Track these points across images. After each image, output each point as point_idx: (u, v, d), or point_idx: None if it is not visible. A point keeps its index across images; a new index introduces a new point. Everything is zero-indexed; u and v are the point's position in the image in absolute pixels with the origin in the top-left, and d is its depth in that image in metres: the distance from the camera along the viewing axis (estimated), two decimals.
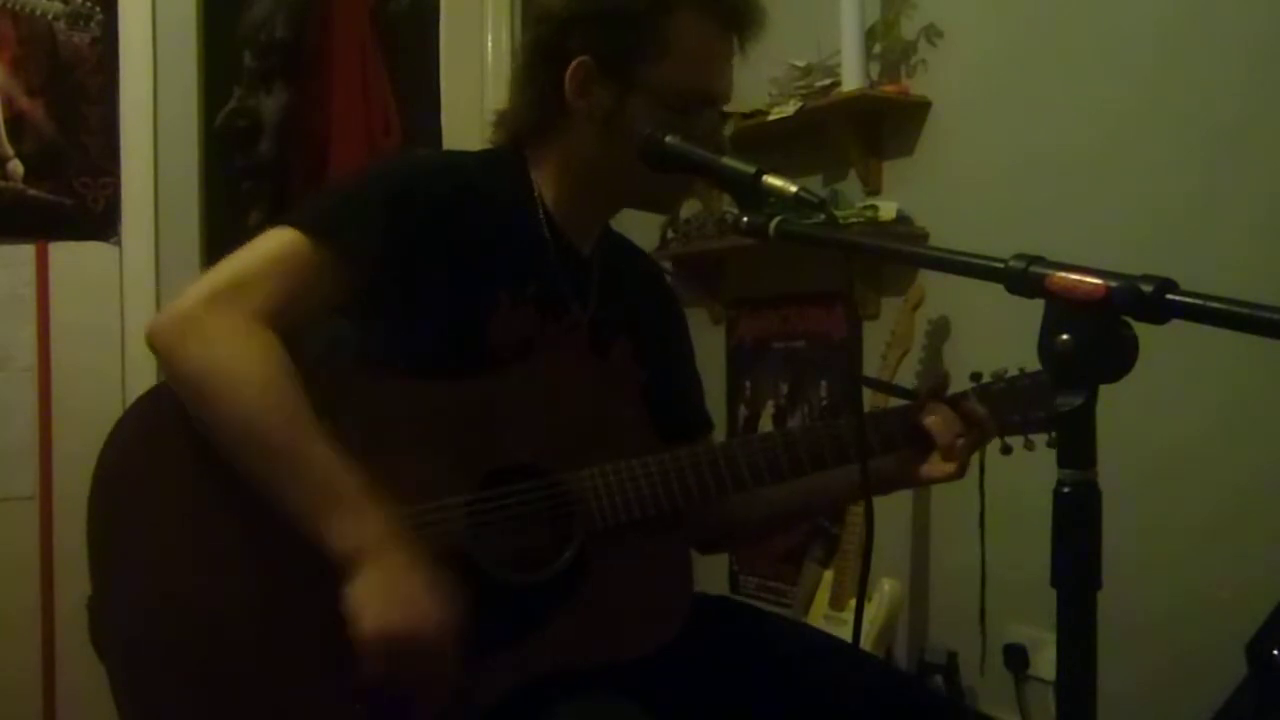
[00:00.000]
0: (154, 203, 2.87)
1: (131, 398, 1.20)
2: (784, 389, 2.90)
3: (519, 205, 1.33)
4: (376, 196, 1.24)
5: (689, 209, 2.97)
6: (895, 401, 1.41)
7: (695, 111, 1.29)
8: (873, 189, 2.58)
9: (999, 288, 0.82)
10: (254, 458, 1.11)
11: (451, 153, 1.44)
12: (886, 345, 2.38)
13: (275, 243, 1.19)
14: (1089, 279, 0.75)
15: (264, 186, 3.16)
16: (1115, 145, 2.10)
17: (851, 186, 2.62)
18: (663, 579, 1.26)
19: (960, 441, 1.30)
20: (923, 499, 2.46)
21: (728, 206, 2.75)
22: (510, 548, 1.20)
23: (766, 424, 2.92)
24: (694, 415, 1.50)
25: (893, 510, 2.40)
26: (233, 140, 3.11)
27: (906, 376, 2.32)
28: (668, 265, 2.92)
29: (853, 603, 2.34)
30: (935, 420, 1.31)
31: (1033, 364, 1.08)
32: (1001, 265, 0.81)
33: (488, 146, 1.41)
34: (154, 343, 1.15)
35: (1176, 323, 0.72)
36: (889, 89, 2.48)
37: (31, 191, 2.79)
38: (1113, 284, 0.73)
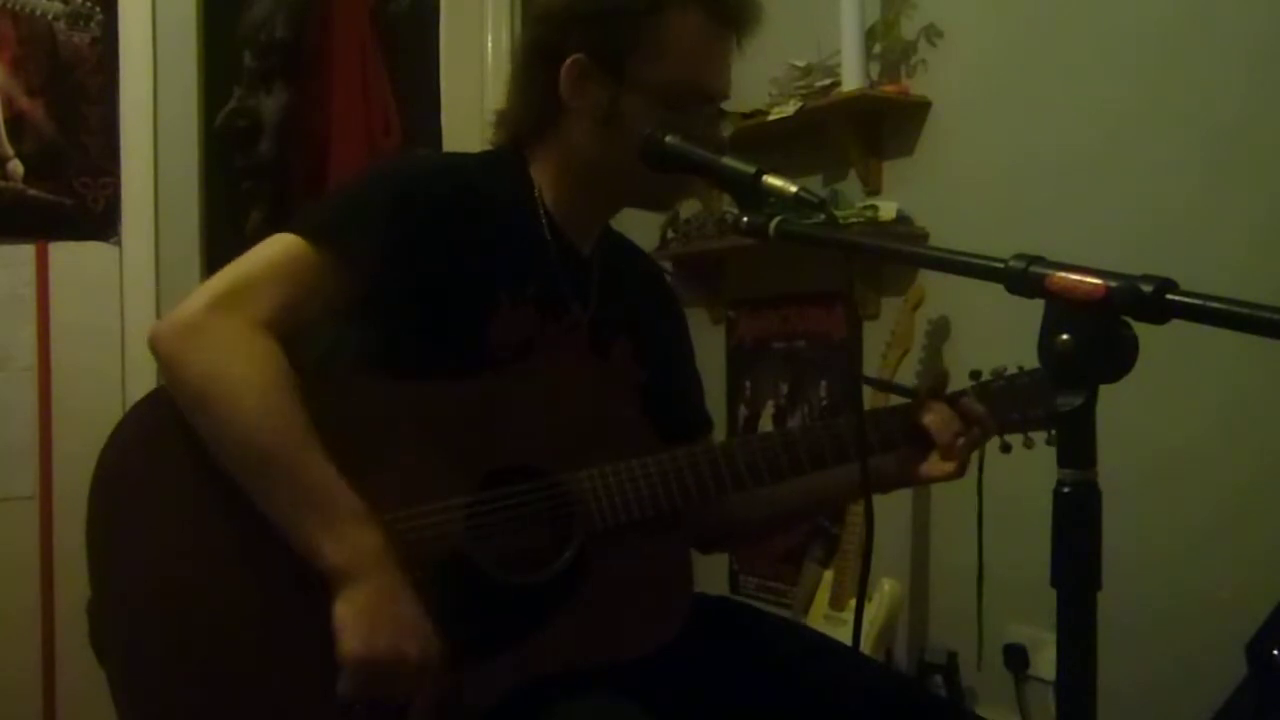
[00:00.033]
0: (154, 203, 2.87)
1: (131, 398, 1.21)
2: (784, 389, 2.89)
3: (519, 206, 1.33)
4: (377, 200, 1.24)
5: (689, 209, 2.97)
6: (896, 400, 1.41)
7: (693, 109, 1.29)
8: (873, 189, 2.58)
9: (999, 288, 0.82)
10: (250, 467, 1.11)
11: (451, 154, 1.44)
12: (886, 345, 2.38)
13: (277, 248, 1.19)
14: (1089, 279, 0.75)
15: (264, 186, 3.15)
16: (1115, 145, 2.10)
17: (851, 186, 2.62)
18: (662, 579, 1.26)
19: (960, 440, 1.30)
20: (922, 499, 2.46)
21: (728, 206, 2.75)
22: (510, 549, 1.20)
23: (766, 424, 2.92)
24: (694, 415, 1.50)
25: (892, 510, 2.40)
26: (233, 140, 3.11)
27: (906, 376, 2.32)
28: (667, 265, 2.92)
29: (853, 603, 2.34)
30: (934, 419, 1.31)
31: (1032, 363, 1.08)
32: (1001, 265, 0.81)
33: (488, 147, 1.41)
34: (156, 348, 1.15)
35: (1176, 323, 0.72)
36: (889, 89, 2.48)
37: (31, 191, 2.79)
38: (1113, 284, 0.73)
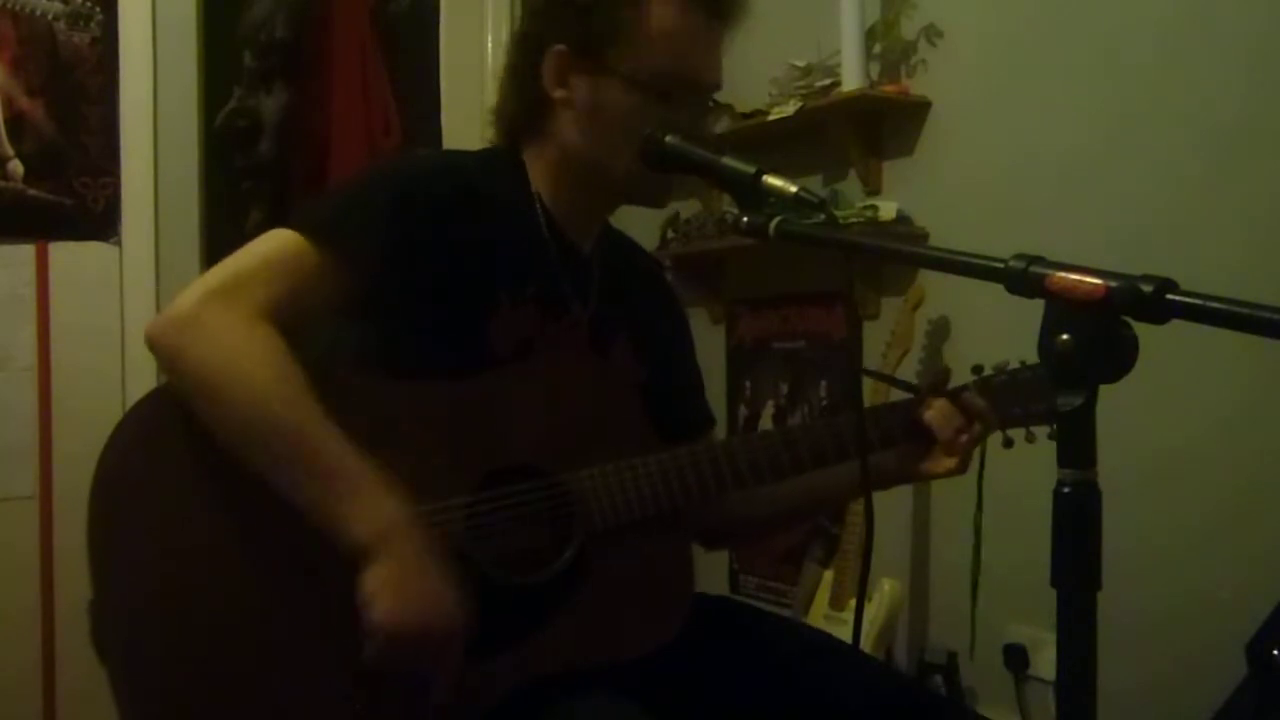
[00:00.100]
0: (154, 203, 2.86)
1: (131, 398, 1.20)
2: (784, 389, 2.89)
3: (518, 205, 1.33)
4: (377, 199, 1.24)
5: (689, 209, 2.97)
6: (897, 396, 1.40)
7: (675, 99, 1.27)
8: (873, 189, 2.57)
9: (999, 288, 0.82)
10: (262, 451, 1.10)
11: (451, 153, 1.44)
12: (886, 345, 2.38)
13: (274, 244, 1.19)
14: (1089, 279, 0.75)
15: (264, 186, 3.16)
16: (1115, 145, 2.10)
17: (851, 186, 2.62)
18: (663, 579, 1.26)
19: (962, 436, 1.30)
20: (922, 498, 2.47)
21: (728, 206, 2.75)
22: (510, 548, 1.20)
23: (766, 424, 2.92)
24: (696, 413, 1.50)
25: (892, 509, 2.40)
26: (233, 140, 3.11)
27: (906, 376, 2.31)
28: (667, 264, 2.91)
29: (853, 603, 2.34)
30: (935, 415, 1.31)
31: (1033, 360, 1.08)
32: (1001, 265, 0.81)
33: (486, 146, 1.41)
34: (155, 344, 1.15)
35: (1176, 323, 0.72)
36: (889, 89, 2.48)
37: (31, 191, 2.79)
38: (1113, 284, 0.73)
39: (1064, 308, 0.76)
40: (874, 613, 2.34)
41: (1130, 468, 1.71)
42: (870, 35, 2.52)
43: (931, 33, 2.47)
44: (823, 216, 1.07)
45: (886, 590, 2.37)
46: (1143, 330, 0.74)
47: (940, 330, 2.39)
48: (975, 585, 2.17)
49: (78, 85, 2.82)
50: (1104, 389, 0.75)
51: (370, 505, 1.08)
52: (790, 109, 2.58)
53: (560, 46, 1.28)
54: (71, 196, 2.82)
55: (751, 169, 1.12)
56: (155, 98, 2.86)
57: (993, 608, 2.22)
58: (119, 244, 2.85)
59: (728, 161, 1.16)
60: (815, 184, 2.71)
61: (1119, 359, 0.75)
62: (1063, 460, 0.76)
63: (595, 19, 1.27)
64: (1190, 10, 1.99)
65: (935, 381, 1.36)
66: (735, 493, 1.29)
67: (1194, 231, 1.96)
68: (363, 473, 1.08)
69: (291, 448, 1.09)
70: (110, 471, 1.15)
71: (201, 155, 2.96)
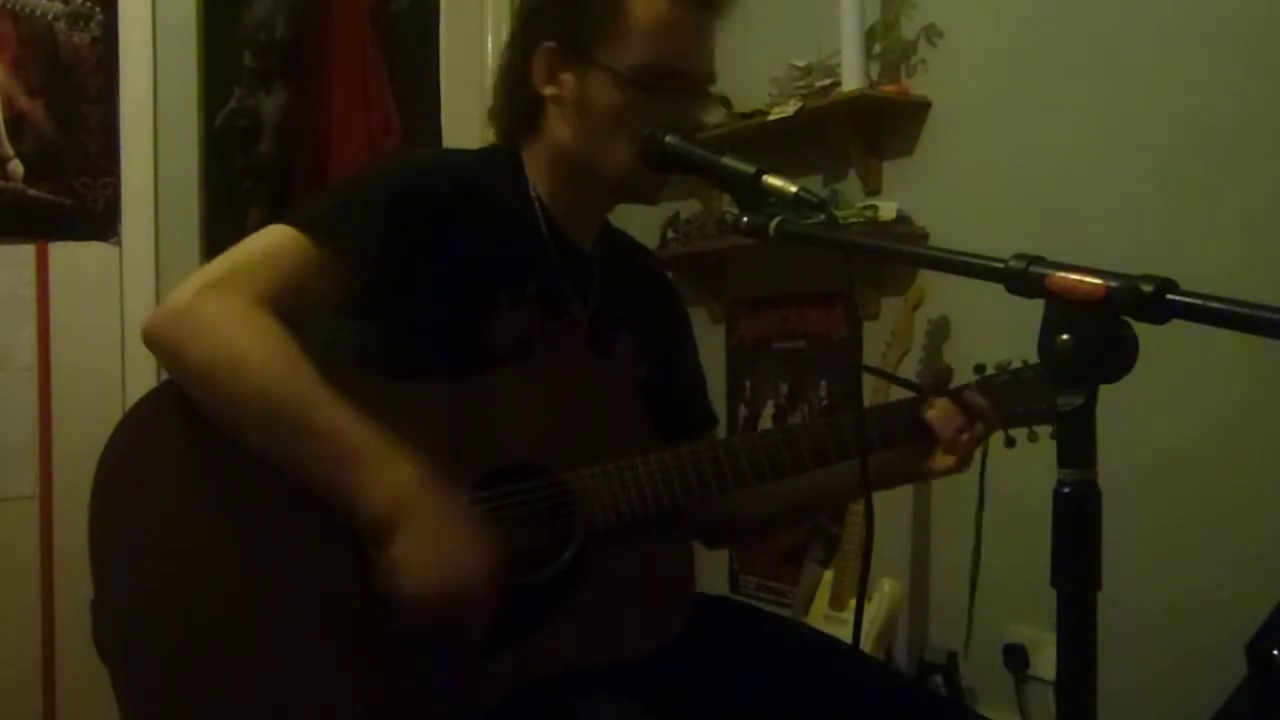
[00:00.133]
0: (154, 203, 2.87)
1: (131, 398, 1.20)
2: (784, 389, 2.89)
3: (517, 204, 1.33)
4: (375, 197, 1.24)
5: (689, 209, 2.97)
6: (897, 395, 1.40)
7: (664, 90, 1.27)
8: (873, 189, 2.58)
9: (999, 288, 0.82)
10: (271, 433, 1.10)
11: (450, 152, 1.44)
12: (886, 345, 2.38)
13: (270, 238, 1.19)
14: (1089, 279, 0.75)
15: (264, 186, 3.15)
16: (1115, 145, 2.10)
17: (851, 186, 2.62)
18: (663, 579, 1.26)
19: (964, 436, 1.30)
20: (922, 498, 2.47)
21: (728, 206, 2.75)
22: (510, 548, 1.20)
23: (766, 424, 2.92)
24: (698, 412, 1.50)
25: (892, 509, 2.40)
26: (233, 140, 3.11)
27: (906, 376, 2.31)
28: (669, 270, 2.91)
29: (853, 603, 2.34)
30: (937, 414, 1.31)
31: (1034, 360, 1.08)
32: (1001, 265, 0.82)
33: (486, 145, 1.41)
34: (152, 339, 1.14)
35: (1176, 323, 0.72)
36: (889, 89, 2.48)
37: (31, 191, 2.79)
38: (1113, 284, 0.73)
39: (1064, 308, 0.76)
40: (874, 613, 2.34)
41: (1130, 468, 1.71)
42: (870, 35, 2.52)
43: (931, 33, 2.47)
44: (823, 216, 1.07)
45: (886, 590, 2.37)
46: (1143, 330, 0.74)
47: (940, 330, 2.39)
48: (974, 583, 2.18)
49: (78, 85, 2.82)
50: (1104, 389, 0.75)
51: (383, 476, 1.07)
52: (790, 109, 2.58)
53: (549, 43, 1.28)
54: (71, 196, 2.82)
55: (751, 169, 1.12)
56: (155, 98, 2.86)
57: (993, 608, 2.22)
58: (119, 244, 2.85)
59: (728, 161, 1.16)
60: (815, 184, 2.71)
61: (1119, 359, 0.75)
62: (1063, 460, 0.76)
63: (581, 14, 1.27)
64: (1190, 10, 1.99)
65: (937, 380, 1.36)
66: (736, 492, 1.29)
67: (1194, 231, 1.96)
68: (372, 443, 1.08)
69: (298, 425, 1.09)
70: (111, 471, 1.15)
71: (201, 155, 2.96)
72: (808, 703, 1.29)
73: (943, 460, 1.32)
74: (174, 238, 2.88)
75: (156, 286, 2.83)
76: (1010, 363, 1.35)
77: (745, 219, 1.10)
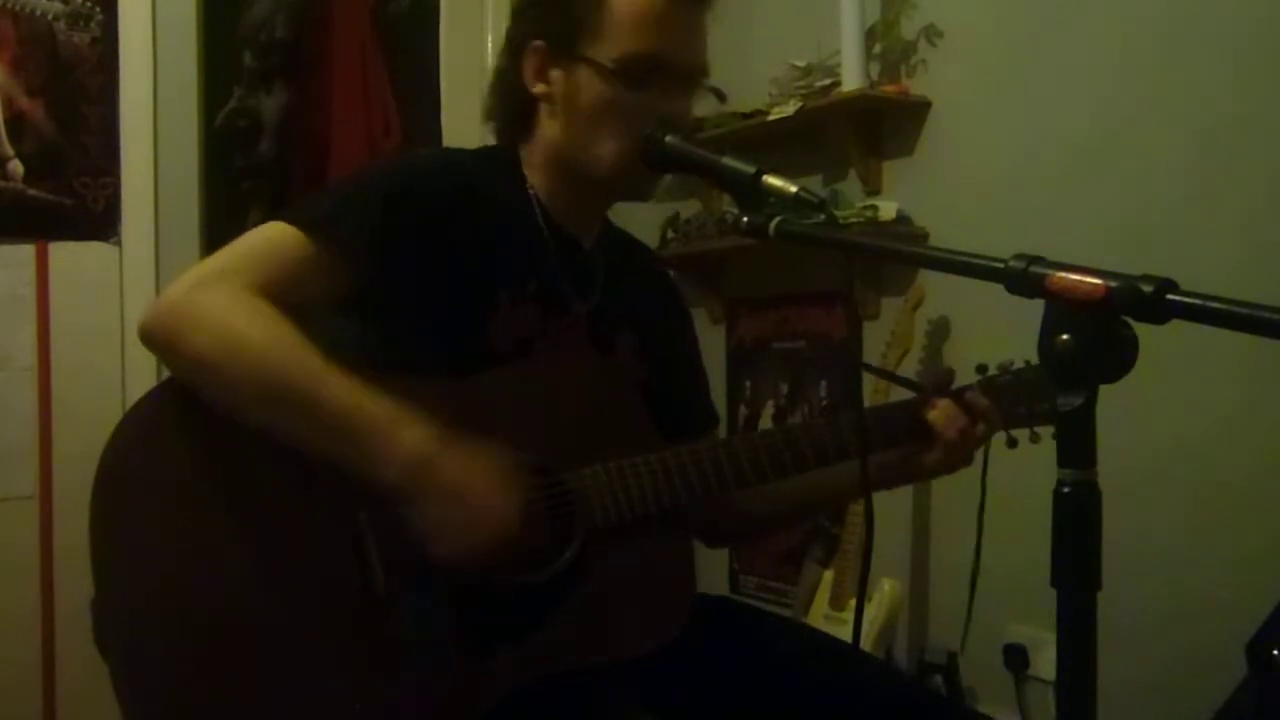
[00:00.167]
0: (154, 203, 2.87)
1: (131, 398, 1.20)
2: (784, 389, 2.89)
3: (516, 202, 1.33)
4: (374, 195, 1.23)
5: (689, 209, 2.97)
6: (898, 394, 1.40)
7: (647, 84, 1.26)
8: (873, 189, 2.58)
9: (999, 288, 0.82)
10: (277, 412, 1.10)
11: (449, 151, 1.45)
12: (886, 345, 2.38)
13: (265, 234, 1.20)
14: (1089, 279, 0.75)
15: (264, 186, 3.15)
16: (1114, 145, 2.10)
17: (851, 186, 2.62)
18: (664, 579, 1.26)
19: (965, 436, 1.30)
20: (923, 498, 2.46)
21: (728, 206, 2.75)
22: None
23: (766, 424, 2.92)
24: (699, 411, 1.50)
25: (893, 509, 2.40)
26: (233, 140, 3.10)
27: (906, 376, 2.32)
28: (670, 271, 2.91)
29: (853, 603, 2.34)
30: (939, 414, 1.31)
31: (1035, 360, 1.08)
32: (1001, 265, 0.82)
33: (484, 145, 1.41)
34: (149, 335, 1.14)
35: (1176, 323, 0.72)
36: (889, 89, 2.48)
37: (31, 191, 2.79)
38: (1113, 284, 0.74)
39: (1064, 308, 0.76)
40: (874, 613, 2.34)
41: (1130, 468, 1.70)
42: (870, 35, 2.53)
43: (931, 33, 2.47)
44: (823, 216, 1.07)
45: (886, 590, 2.37)
46: (1143, 330, 0.74)
47: (940, 330, 2.39)
48: (974, 581, 2.17)
49: (78, 85, 2.82)
50: (1104, 389, 0.75)
51: (394, 441, 1.08)
52: (790, 109, 2.58)
53: (538, 42, 1.29)
54: (71, 196, 2.82)
55: (751, 169, 1.12)
56: (155, 98, 2.86)
57: (993, 608, 2.21)
58: (119, 244, 2.85)
59: (728, 161, 1.16)
60: (815, 184, 2.71)
61: (1119, 359, 0.75)
62: (1063, 460, 0.76)
63: (565, 10, 1.27)
64: (1189, 10, 1.99)
65: (939, 381, 1.36)
66: (737, 491, 1.28)
67: (1193, 231, 1.96)
68: (380, 409, 1.09)
69: (305, 401, 1.09)
70: (111, 470, 1.15)
71: (201, 155, 2.96)
72: (808, 702, 1.29)
73: (944, 461, 1.32)
74: (174, 238, 2.88)
75: (156, 286, 2.83)
76: (1012, 363, 1.35)
77: (745, 219, 1.10)
